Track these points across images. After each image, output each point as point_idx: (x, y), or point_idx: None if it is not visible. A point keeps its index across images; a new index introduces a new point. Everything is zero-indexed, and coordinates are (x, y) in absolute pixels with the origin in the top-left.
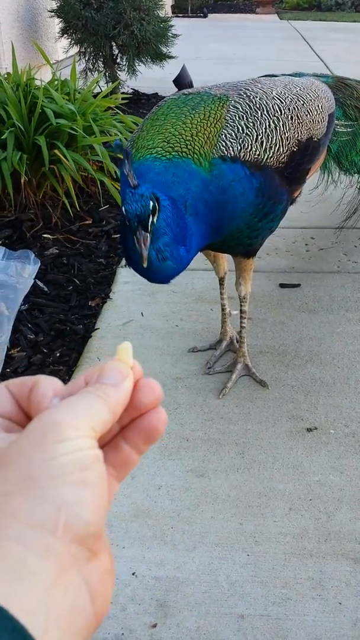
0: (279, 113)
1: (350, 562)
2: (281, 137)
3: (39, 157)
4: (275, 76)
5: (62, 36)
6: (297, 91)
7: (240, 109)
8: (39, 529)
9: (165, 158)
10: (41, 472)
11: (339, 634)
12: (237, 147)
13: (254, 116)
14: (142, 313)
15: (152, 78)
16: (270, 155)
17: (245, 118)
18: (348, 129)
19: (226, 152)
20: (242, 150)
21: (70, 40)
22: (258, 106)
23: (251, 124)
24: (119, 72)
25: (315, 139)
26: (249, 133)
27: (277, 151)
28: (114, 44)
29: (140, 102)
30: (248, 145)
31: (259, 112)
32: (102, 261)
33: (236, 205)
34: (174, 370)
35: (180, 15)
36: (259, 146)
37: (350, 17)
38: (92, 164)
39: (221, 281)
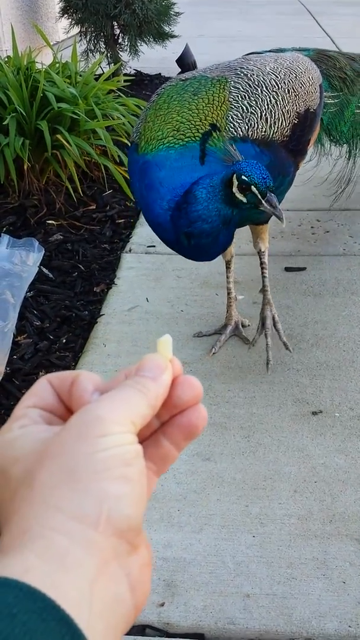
0: (277, 87)
1: (355, 543)
2: (282, 111)
3: (41, 142)
4: (261, 53)
5: (62, 16)
6: (287, 64)
7: (242, 89)
8: (81, 522)
9: (179, 145)
10: (85, 465)
11: (342, 612)
12: (245, 127)
13: (255, 94)
14: (147, 298)
15: (154, 58)
16: (275, 131)
17: (247, 97)
18: (335, 100)
19: (235, 133)
20: (250, 129)
21: (70, 20)
22: (257, 84)
23: (254, 102)
24: (120, 53)
25: (312, 110)
26: (253, 112)
27: (281, 125)
28: (116, 24)
29: (143, 83)
30: (254, 123)
31: (259, 89)
32: (106, 247)
33: None
34: (180, 356)
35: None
36: (264, 123)
37: None
38: (95, 148)
39: (228, 264)
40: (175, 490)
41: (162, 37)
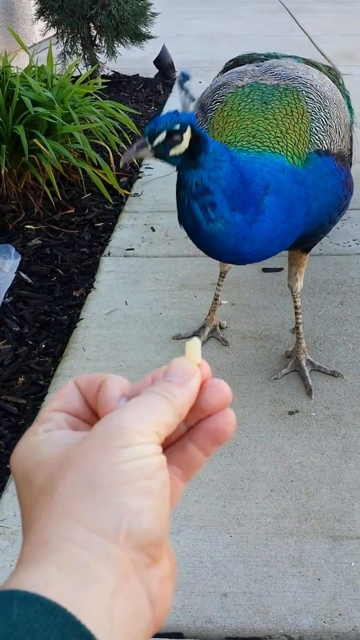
0: (335, 99)
1: (329, 540)
2: (344, 123)
3: (18, 147)
4: (262, 59)
5: (38, 18)
6: (319, 73)
7: (315, 100)
8: (101, 536)
9: (254, 151)
10: (106, 477)
11: (317, 608)
12: (328, 140)
13: (326, 106)
14: (126, 302)
15: (132, 59)
16: (343, 144)
17: (322, 109)
18: None
19: (320, 146)
20: (332, 143)
21: (47, 22)
22: (323, 95)
23: (328, 114)
24: (97, 54)
25: (346, 120)
26: (330, 124)
27: (344, 138)
28: (92, 25)
29: (121, 85)
30: (333, 136)
31: (327, 101)
32: (85, 250)
33: (326, 199)
34: (158, 358)
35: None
36: (338, 136)
37: None
38: (72, 152)
39: (223, 274)
40: None
41: (139, 37)
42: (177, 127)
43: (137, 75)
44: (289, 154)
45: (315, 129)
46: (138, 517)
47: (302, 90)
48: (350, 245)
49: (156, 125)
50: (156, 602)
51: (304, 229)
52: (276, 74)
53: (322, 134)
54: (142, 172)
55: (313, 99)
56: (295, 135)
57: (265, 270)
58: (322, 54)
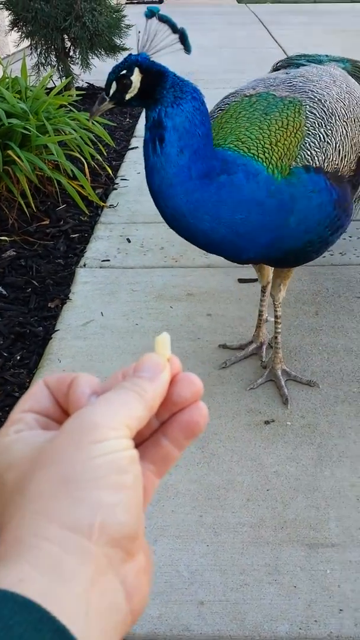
0: (346, 117)
1: (305, 548)
2: (351, 143)
3: None
4: (300, 64)
5: (12, 29)
6: (346, 88)
7: (318, 115)
8: (75, 532)
9: (239, 153)
10: (79, 473)
11: (293, 615)
12: (322, 157)
13: (330, 122)
14: (102, 313)
15: (106, 71)
16: (345, 165)
17: (324, 125)
18: None
19: (311, 162)
20: (326, 161)
21: (20, 33)
22: (331, 112)
23: (329, 132)
24: (72, 66)
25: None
26: (329, 142)
27: (349, 158)
28: (66, 37)
29: (95, 96)
30: (330, 154)
31: (333, 118)
32: (60, 262)
33: (309, 216)
34: None
35: (135, 1)
36: (337, 155)
37: None
38: (47, 163)
39: (263, 289)
40: None
41: (113, 49)
42: (124, 72)
43: None
44: (271, 165)
45: (309, 144)
46: (112, 511)
47: (306, 105)
48: (324, 256)
49: (108, 76)
50: (133, 596)
51: (288, 243)
52: (292, 85)
53: (316, 150)
54: (117, 183)
55: (315, 115)
56: (283, 149)
57: (241, 280)
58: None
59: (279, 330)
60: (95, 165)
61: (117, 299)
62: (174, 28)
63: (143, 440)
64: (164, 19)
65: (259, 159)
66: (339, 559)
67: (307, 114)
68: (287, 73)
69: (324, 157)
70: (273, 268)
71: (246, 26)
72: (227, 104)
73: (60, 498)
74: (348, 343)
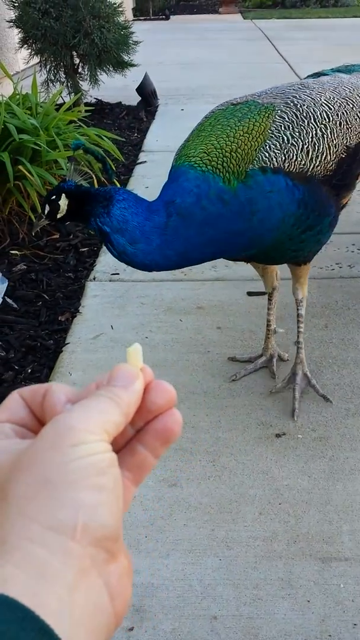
0: (327, 120)
1: (318, 562)
2: (329, 144)
3: (3, 173)
4: (324, 74)
5: (22, 47)
6: (346, 94)
7: (287, 119)
8: (58, 532)
9: (200, 170)
10: (59, 475)
11: (307, 630)
12: (282, 158)
13: (301, 125)
14: (111, 326)
15: (115, 87)
16: (317, 164)
17: (291, 128)
18: None
19: (268, 163)
20: (287, 161)
21: (30, 50)
22: (305, 115)
23: (297, 134)
24: (81, 82)
25: (337, 141)
26: (294, 143)
27: (324, 159)
28: (75, 54)
29: (104, 112)
30: (293, 155)
31: (306, 121)
32: (70, 275)
33: (271, 215)
34: None
35: (142, 18)
36: (305, 155)
37: (315, 13)
38: (57, 178)
39: (269, 296)
40: (142, 516)
41: (121, 65)
42: (53, 197)
43: (120, 102)
44: (227, 174)
45: (270, 146)
46: (93, 511)
47: (278, 109)
48: (333, 269)
49: (43, 199)
50: (116, 597)
51: (258, 241)
52: (283, 92)
53: (276, 151)
54: None
55: (284, 118)
56: (242, 154)
57: (250, 293)
58: None
59: (301, 330)
60: (104, 180)
61: (126, 312)
62: (97, 158)
63: (119, 449)
64: (89, 151)
65: (217, 170)
66: (352, 573)
67: (275, 117)
68: (294, 82)
69: (284, 158)
70: (277, 271)
71: (252, 42)
72: (213, 111)
73: (41, 499)
74: (358, 356)
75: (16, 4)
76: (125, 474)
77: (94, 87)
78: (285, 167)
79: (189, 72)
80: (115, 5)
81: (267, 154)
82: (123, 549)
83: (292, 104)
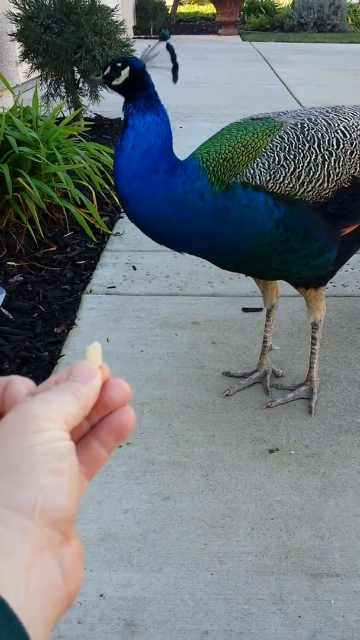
0: (335, 147)
1: (310, 578)
2: (328, 172)
3: (2, 185)
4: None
5: (23, 60)
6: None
7: (286, 140)
8: (17, 512)
9: (198, 163)
10: (21, 459)
11: None
12: (266, 177)
13: (299, 148)
14: (107, 339)
15: (115, 102)
16: (307, 190)
17: (286, 149)
18: None
19: (250, 180)
20: (272, 181)
21: (31, 64)
22: (308, 138)
23: (292, 156)
24: (81, 97)
25: (336, 171)
26: (285, 165)
27: (318, 186)
28: (76, 69)
29: (103, 127)
30: (280, 176)
31: (307, 145)
32: (67, 288)
33: (243, 228)
34: (140, 396)
35: (142, 36)
36: (295, 179)
37: (313, 38)
38: (56, 190)
39: (267, 313)
40: (135, 530)
41: None
42: (119, 64)
43: (120, 118)
44: (213, 177)
45: (258, 164)
46: (52, 494)
47: (283, 130)
48: (327, 288)
49: (109, 60)
50: (69, 577)
51: (228, 250)
52: (307, 112)
53: (262, 170)
54: (123, 212)
55: (283, 139)
56: (231, 164)
57: (245, 310)
58: (299, 103)
59: (314, 352)
60: (103, 194)
61: (122, 325)
62: (173, 59)
63: (75, 443)
64: (169, 49)
65: (207, 170)
66: (343, 589)
67: (275, 137)
68: (330, 106)
69: (269, 178)
70: (277, 289)
71: (250, 63)
72: (237, 121)
73: (3, 482)
74: (351, 374)
75: (18, 18)
76: (79, 468)
77: (94, 103)
78: (269, 187)
79: (188, 91)
80: (117, 23)
81: (252, 171)
82: (75, 533)
83: (299, 126)
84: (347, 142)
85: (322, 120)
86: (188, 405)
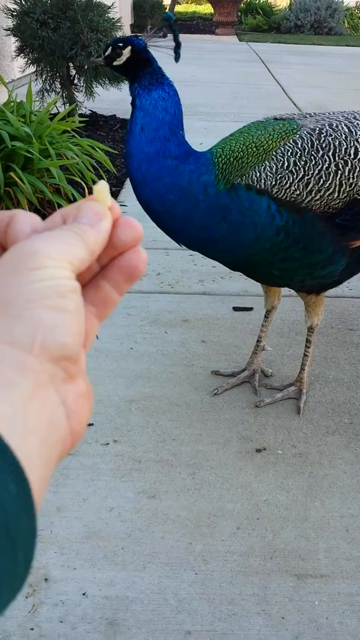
0: (352, 156)
1: (294, 578)
2: (341, 182)
3: None
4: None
5: (18, 55)
6: None
7: (299, 145)
8: (15, 347)
9: (212, 157)
10: (17, 295)
11: None
12: (271, 182)
13: (311, 154)
14: (97, 336)
15: (110, 99)
16: (316, 198)
17: (297, 155)
18: None
19: (255, 183)
20: (277, 186)
21: (26, 59)
22: (324, 145)
23: (302, 162)
24: (76, 93)
25: (345, 182)
26: (293, 171)
27: (329, 196)
28: (71, 65)
29: (98, 124)
30: (286, 182)
31: (321, 152)
32: None
33: (242, 230)
34: (128, 393)
35: (140, 35)
36: (303, 186)
37: (309, 40)
38: (48, 186)
39: (266, 314)
40: (120, 528)
41: (117, 79)
42: (120, 44)
43: (115, 115)
44: (220, 174)
45: (265, 167)
46: (52, 331)
47: (298, 134)
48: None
49: (110, 41)
50: (72, 417)
51: (226, 249)
52: (331, 117)
53: (269, 174)
54: None
55: (297, 144)
56: (240, 164)
57: (235, 309)
58: (294, 104)
59: (307, 354)
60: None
61: (112, 322)
62: (176, 38)
63: (84, 284)
64: (173, 29)
65: (218, 166)
66: (327, 591)
67: (288, 141)
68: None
69: (274, 183)
70: (280, 292)
71: (247, 63)
72: (259, 120)
73: None
74: (340, 374)
75: (14, 13)
76: (89, 309)
77: (89, 99)
78: (273, 192)
79: (184, 89)
80: (114, 20)
81: (258, 174)
82: (83, 375)
83: (316, 132)
84: (346, 154)
85: (344, 127)
86: (176, 403)
